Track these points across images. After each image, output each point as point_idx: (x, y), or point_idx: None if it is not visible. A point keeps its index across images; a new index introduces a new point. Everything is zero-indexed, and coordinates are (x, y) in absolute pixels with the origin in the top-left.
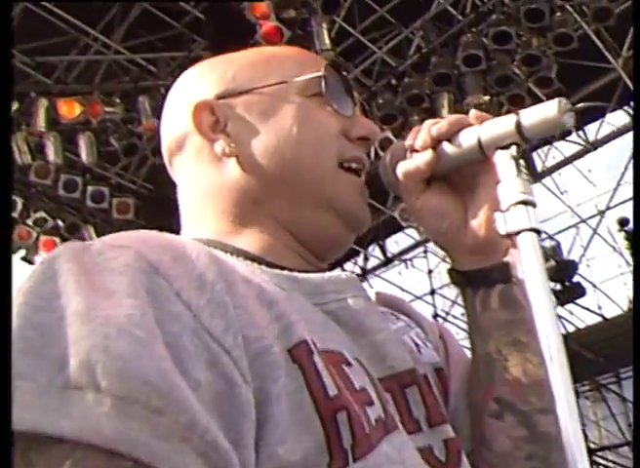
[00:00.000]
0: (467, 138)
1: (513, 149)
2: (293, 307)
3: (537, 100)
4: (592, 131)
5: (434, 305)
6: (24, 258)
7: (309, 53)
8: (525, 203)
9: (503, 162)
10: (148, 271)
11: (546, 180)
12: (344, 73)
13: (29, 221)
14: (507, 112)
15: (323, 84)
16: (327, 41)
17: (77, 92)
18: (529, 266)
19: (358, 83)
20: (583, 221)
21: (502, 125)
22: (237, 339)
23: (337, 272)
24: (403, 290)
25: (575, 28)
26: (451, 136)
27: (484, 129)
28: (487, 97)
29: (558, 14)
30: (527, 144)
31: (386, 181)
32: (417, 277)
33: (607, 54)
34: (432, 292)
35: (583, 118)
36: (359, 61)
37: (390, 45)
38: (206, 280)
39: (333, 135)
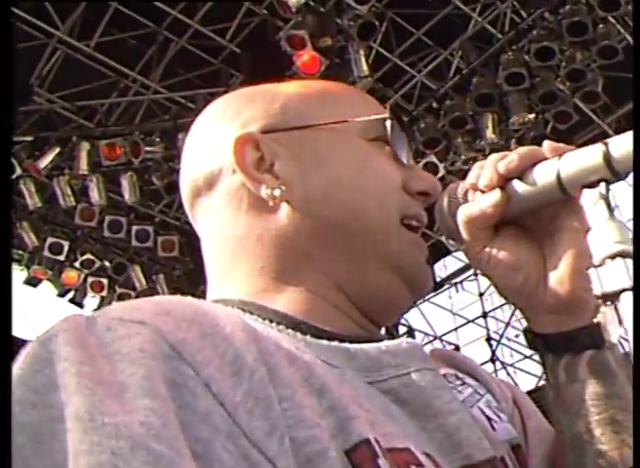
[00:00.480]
0: (544, 175)
1: (602, 187)
2: (348, 393)
3: (584, 116)
4: None
5: (487, 328)
6: (72, 301)
7: (360, 91)
8: (623, 255)
9: (590, 203)
10: (169, 356)
11: None
12: (404, 119)
13: (76, 264)
14: (553, 129)
15: (389, 127)
16: (365, 68)
17: (118, 133)
18: (635, 332)
19: (399, 108)
20: None
21: (587, 157)
22: (284, 444)
23: (396, 341)
24: (454, 313)
25: (619, 40)
26: (522, 172)
27: (564, 163)
28: (532, 116)
29: (601, 26)
30: (618, 180)
31: (444, 229)
32: (467, 300)
33: None
34: (484, 315)
35: None
36: (398, 86)
37: (429, 68)
38: (243, 365)
39: (396, 186)
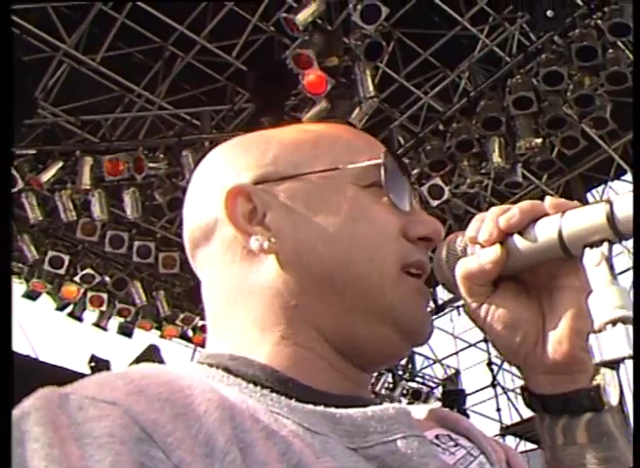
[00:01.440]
0: (545, 232)
1: (605, 247)
2: (329, 465)
3: (591, 142)
4: None
5: (489, 352)
6: (71, 315)
7: (360, 132)
8: (624, 321)
9: (593, 264)
10: (140, 439)
11: None
12: (403, 161)
13: (76, 278)
14: (559, 154)
15: (382, 174)
16: (371, 88)
17: (121, 148)
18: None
19: (405, 129)
20: None
21: (590, 216)
22: None
23: (383, 406)
24: (455, 336)
25: (627, 64)
26: (523, 227)
27: (566, 220)
28: (539, 140)
29: (610, 51)
30: (621, 241)
31: (442, 280)
32: (469, 323)
33: None
34: (486, 340)
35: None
36: (405, 107)
37: (437, 89)
38: (215, 447)
39: (392, 235)
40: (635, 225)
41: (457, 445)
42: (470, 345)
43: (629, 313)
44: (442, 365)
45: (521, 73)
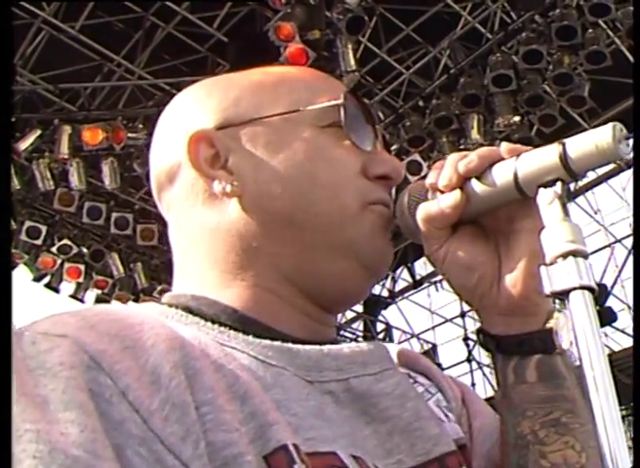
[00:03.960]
0: (501, 175)
1: (558, 186)
2: (277, 397)
3: (569, 120)
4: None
5: (465, 328)
6: (48, 285)
7: (322, 74)
8: (575, 254)
9: (546, 203)
10: (88, 366)
11: (580, 199)
12: (365, 101)
13: (53, 249)
14: (538, 133)
15: (342, 114)
16: (352, 62)
17: (100, 118)
18: (582, 333)
19: (385, 104)
20: (618, 241)
21: (544, 157)
22: (199, 448)
23: (338, 346)
24: (432, 312)
25: (607, 44)
26: (481, 172)
27: (521, 163)
28: (517, 118)
29: (590, 30)
30: (575, 180)
31: (404, 227)
32: (446, 299)
33: None
34: (463, 315)
35: None
36: (386, 82)
37: (418, 65)
38: (161, 374)
39: (352, 174)
40: (635, 221)
41: (415, 382)
42: (447, 320)
43: (580, 246)
44: (419, 339)
45: (501, 51)
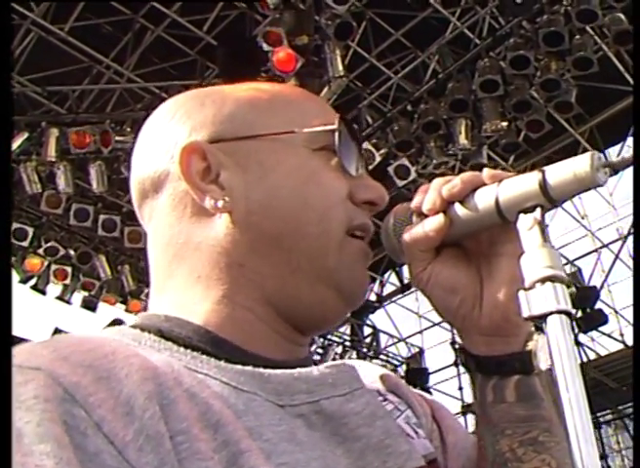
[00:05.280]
0: (484, 200)
1: (538, 212)
2: (249, 424)
3: (556, 126)
4: (613, 154)
5: (452, 332)
6: (35, 287)
7: (314, 96)
8: (553, 279)
9: (526, 228)
10: (63, 399)
11: (567, 205)
12: (355, 126)
13: (40, 251)
14: (525, 139)
15: (337, 139)
16: (340, 68)
17: (88, 121)
18: (558, 357)
19: (373, 109)
20: (605, 246)
21: (524, 184)
22: None
23: (308, 369)
24: (420, 316)
25: (594, 50)
26: (464, 196)
27: (503, 189)
28: (505, 123)
29: (577, 37)
30: (554, 206)
31: (389, 248)
32: None
33: (627, 76)
34: None
35: (604, 142)
36: (374, 86)
37: (406, 70)
38: (135, 405)
39: (341, 199)
40: (635, 224)
41: (385, 399)
42: (434, 324)
43: (557, 272)
44: (406, 343)
45: (489, 57)
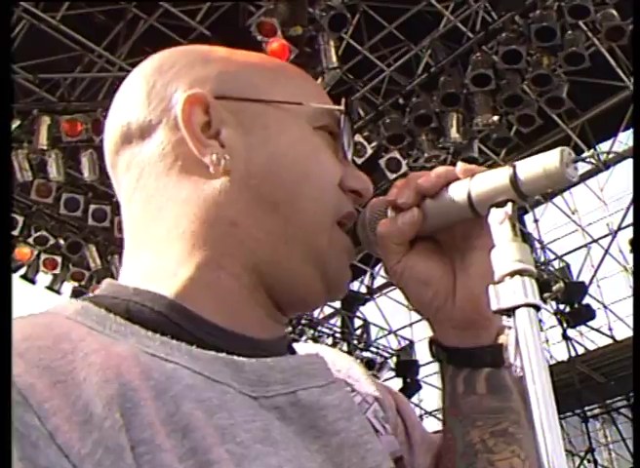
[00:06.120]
0: (456, 194)
1: (509, 207)
2: (221, 422)
3: (547, 120)
4: (604, 149)
5: None
6: (24, 277)
7: (311, 79)
8: (521, 273)
9: (497, 222)
10: (17, 402)
11: (557, 200)
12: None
13: (30, 240)
14: (517, 133)
15: (342, 121)
16: (334, 59)
17: (80, 109)
18: (526, 349)
19: (365, 101)
20: (595, 241)
21: (495, 179)
22: None
23: (283, 357)
24: (410, 309)
25: (586, 46)
26: (438, 190)
27: (475, 183)
28: (496, 118)
29: (569, 32)
30: (524, 201)
31: (364, 241)
32: None
33: (619, 71)
34: None
35: (595, 137)
36: (367, 79)
37: (399, 63)
38: (94, 413)
39: (336, 182)
40: (635, 224)
41: (353, 390)
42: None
43: (526, 266)
44: (396, 336)
45: (482, 51)
